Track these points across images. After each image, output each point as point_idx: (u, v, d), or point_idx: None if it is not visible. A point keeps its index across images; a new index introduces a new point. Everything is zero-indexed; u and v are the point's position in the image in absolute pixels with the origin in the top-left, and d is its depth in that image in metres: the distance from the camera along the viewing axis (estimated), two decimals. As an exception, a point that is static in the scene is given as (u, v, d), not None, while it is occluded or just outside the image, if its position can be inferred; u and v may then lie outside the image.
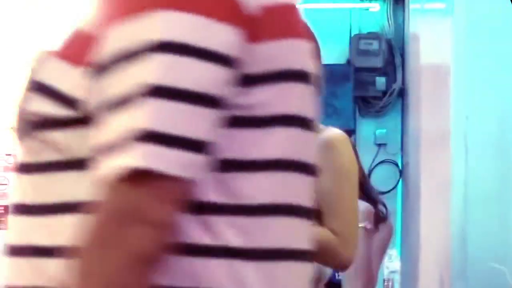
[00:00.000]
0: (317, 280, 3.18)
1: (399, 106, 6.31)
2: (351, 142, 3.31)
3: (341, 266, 2.27)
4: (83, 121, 1.10)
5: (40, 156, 1.15)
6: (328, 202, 2.23)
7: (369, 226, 3.04)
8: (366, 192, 3.16)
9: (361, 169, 3.20)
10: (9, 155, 6.74)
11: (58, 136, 1.13)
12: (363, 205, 3.05)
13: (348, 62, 6.27)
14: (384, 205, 3.24)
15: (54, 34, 1.18)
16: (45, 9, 5.77)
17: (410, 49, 5.94)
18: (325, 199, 2.23)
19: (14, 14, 6.36)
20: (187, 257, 1.08)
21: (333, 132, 2.30)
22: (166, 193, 1.04)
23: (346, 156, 2.26)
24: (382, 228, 3.22)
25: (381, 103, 6.29)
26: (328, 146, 2.26)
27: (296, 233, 1.17)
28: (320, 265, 3.12)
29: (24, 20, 6.39)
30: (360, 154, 3.21)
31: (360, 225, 3.06)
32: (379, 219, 3.19)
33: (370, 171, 6.09)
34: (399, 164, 6.26)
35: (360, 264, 3.04)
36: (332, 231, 2.21)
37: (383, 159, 6.23)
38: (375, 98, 6.32)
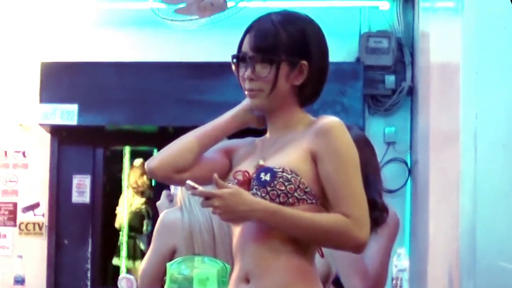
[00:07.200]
0: (326, 275, 3.19)
1: (408, 104, 6.30)
2: (367, 138, 3.31)
3: (358, 248, 2.27)
4: None
5: None
6: (333, 187, 2.24)
7: None
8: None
9: (367, 165, 3.18)
10: (18, 152, 6.74)
11: None
12: None
13: (358, 60, 6.27)
14: (382, 209, 3.19)
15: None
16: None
17: (419, 47, 5.93)
18: (330, 185, 2.24)
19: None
20: None
21: (327, 119, 2.31)
22: None
23: (342, 139, 2.27)
24: (383, 227, 3.19)
25: (390, 101, 6.29)
26: (323, 132, 2.27)
27: None
28: (329, 261, 3.13)
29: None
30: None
31: None
32: (374, 221, 3.15)
33: (379, 170, 6.07)
34: (408, 163, 6.25)
35: (354, 261, 3.03)
36: (343, 214, 2.21)
37: (392, 157, 6.22)
38: (384, 96, 6.32)
